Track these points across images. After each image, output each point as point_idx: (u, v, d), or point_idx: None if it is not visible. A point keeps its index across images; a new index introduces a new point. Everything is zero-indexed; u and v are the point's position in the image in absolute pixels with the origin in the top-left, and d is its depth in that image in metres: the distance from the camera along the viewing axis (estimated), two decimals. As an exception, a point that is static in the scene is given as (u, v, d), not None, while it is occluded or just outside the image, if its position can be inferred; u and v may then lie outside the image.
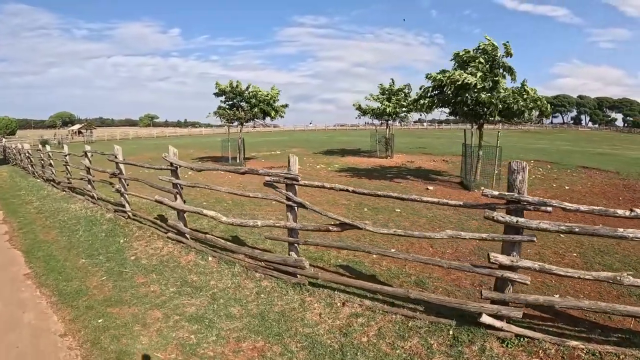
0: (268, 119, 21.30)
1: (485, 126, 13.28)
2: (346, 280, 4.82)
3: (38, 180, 16.34)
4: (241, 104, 20.42)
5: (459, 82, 11.63)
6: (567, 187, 12.60)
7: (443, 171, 17.13)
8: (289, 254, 5.20)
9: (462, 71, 11.89)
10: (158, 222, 7.84)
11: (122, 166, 8.44)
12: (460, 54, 12.47)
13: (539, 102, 12.33)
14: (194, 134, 65.38)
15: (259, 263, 5.54)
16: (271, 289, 4.98)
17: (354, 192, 4.61)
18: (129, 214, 8.55)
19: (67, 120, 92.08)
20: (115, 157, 8.40)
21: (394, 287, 4.52)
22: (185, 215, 6.69)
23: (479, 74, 11.69)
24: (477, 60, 11.91)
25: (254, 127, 26.47)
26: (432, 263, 4.15)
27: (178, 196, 6.48)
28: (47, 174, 15.18)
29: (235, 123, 20.75)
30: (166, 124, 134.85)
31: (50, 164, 14.10)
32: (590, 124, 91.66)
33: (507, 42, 12.09)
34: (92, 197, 10.50)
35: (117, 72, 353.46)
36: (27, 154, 17.91)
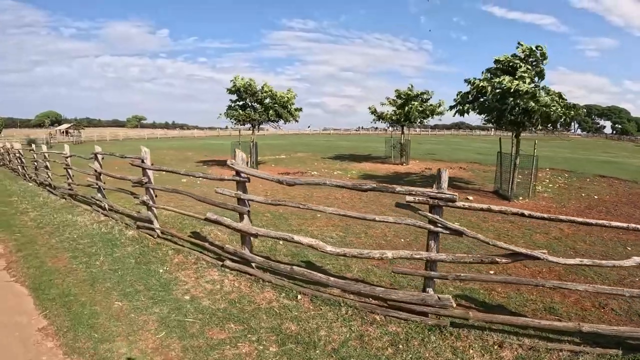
0: (281, 122, 19.64)
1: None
2: (505, 319, 3.63)
3: (30, 184, 14.23)
4: (254, 104, 18.74)
5: (511, 89, 10.78)
6: (595, 197, 11.92)
7: (468, 180, 16.05)
8: (424, 290, 3.69)
9: (512, 77, 11.08)
10: (205, 244, 6.07)
11: (150, 173, 6.67)
12: (501, 59, 11.73)
13: (580, 110, 11.90)
14: (185, 135, 62.71)
15: (370, 301, 3.99)
16: (406, 335, 3.55)
17: (530, 216, 3.38)
18: (158, 232, 6.78)
19: (53, 120, 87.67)
20: (143, 161, 6.65)
21: (564, 322, 3.75)
22: (252, 238, 5.00)
23: (528, 79, 10.99)
24: (525, 66, 11.21)
25: (262, 130, 24.59)
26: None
27: (245, 216, 4.79)
28: (41, 177, 13.14)
29: (247, 125, 19.04)
30: (154, 126, 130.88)
31: (47, 167, 12.07)
32: (579, 131, 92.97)
33: (540, 46, 11.51)
34: (102, 207, 8.65)
35: (104, 72, 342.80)
36: (18, 155, 15.72)
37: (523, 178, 12.11)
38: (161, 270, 5.25)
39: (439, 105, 23.43)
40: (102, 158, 8.66)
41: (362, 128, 73.53)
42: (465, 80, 12.25)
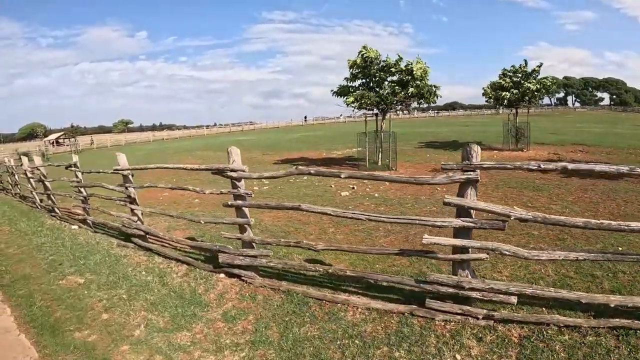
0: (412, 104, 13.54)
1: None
2: None
3: (74, 227, 7.51)
4: (384, 83, 12.59)
5: None
6: None
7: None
8: None
9: None
10: None
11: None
12: None
13: None
14: (194, 135, 53.66)
15: None
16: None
17: None
18: None
19: (36, 133, 77.57)
20: None
21: None
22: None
23: None
24: None
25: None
26: None
27: None
28: (97, 215, 6.53)
29: (374, 110, 12.89)
30: (141, 129, 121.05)
31: (132, 199, 5.45)
32: (577, 104, 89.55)
33: None
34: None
35: (84, 79, 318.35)
36: (38, 176, 8.82)
37: None
38: None
39: (554, 82, 19.18)
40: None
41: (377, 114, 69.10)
42: None
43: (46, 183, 8.90)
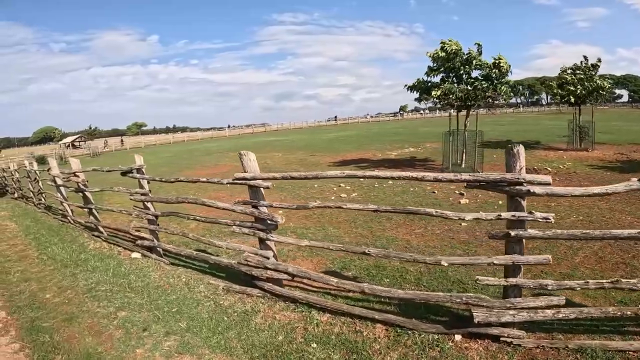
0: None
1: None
2: None
3: (135, 255, 5.31)
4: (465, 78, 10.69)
5: None
6: None
7: None
8: None
9: None
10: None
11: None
12: None
13: None
14: (216, 136, 50.84)
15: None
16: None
17: None
18: None
19: (53, 135, 76.43)
20: None
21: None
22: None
23: None
24: None
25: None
26: None
27: None
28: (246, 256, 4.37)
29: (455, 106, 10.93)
30: (155, 131, 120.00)
31: (270, 224, 3.21)
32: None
33: None
34: None
35: (97, 83, 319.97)
36: (79, 185, 6.62)
37: None
38: None
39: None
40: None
41: (396, 113, 67.51)
42: None
43: (87, 194, 6.72)
